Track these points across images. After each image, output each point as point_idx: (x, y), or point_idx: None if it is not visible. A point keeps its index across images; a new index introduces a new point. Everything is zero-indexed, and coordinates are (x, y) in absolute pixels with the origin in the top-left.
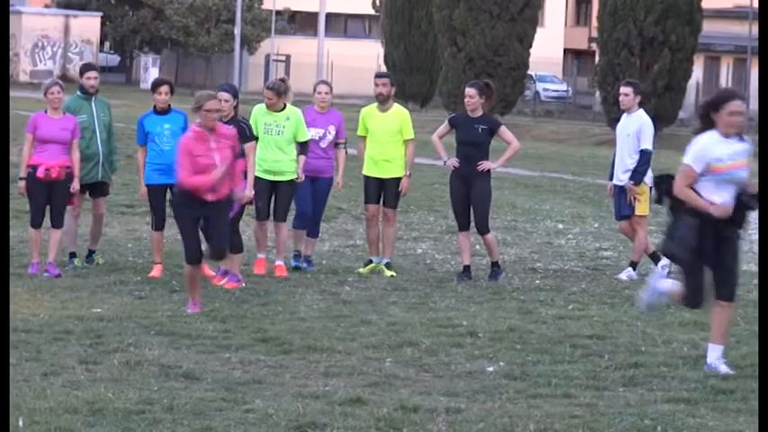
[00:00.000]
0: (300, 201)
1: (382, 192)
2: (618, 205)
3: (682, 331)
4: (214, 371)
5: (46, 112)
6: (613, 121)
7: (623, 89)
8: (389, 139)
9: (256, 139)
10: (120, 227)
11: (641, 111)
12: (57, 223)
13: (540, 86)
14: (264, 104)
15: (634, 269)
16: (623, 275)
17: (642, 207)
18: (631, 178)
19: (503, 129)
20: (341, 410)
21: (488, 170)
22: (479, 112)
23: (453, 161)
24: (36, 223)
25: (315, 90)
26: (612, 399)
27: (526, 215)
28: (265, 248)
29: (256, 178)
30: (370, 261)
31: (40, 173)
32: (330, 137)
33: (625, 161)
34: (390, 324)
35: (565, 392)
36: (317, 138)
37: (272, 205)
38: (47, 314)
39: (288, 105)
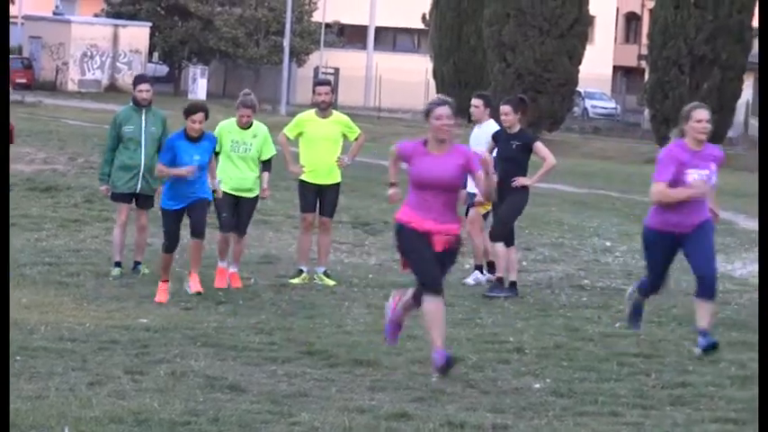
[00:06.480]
0: None
1: (320, 199)
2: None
3: (729, 351)
4: (260, 383)
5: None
6: (662, 140)
7: (474, 101)
8: (330, 146)
9: (217, 154)
10: None
11: (491, 121)
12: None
13: (588, 103)
14: (235, 121)
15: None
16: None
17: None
18: None
19: (537, 144)
20: (386, 425)
21: (525, 186)
22: (516, 128)
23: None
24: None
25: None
26: (659, 418)
27: (573, 232)
28: (226, 258)
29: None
30: (301, 271)
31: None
32: None
33: None
34: None
35: (611, 410)
36: None
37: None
38: (93, 324)
39: (254, 122)
